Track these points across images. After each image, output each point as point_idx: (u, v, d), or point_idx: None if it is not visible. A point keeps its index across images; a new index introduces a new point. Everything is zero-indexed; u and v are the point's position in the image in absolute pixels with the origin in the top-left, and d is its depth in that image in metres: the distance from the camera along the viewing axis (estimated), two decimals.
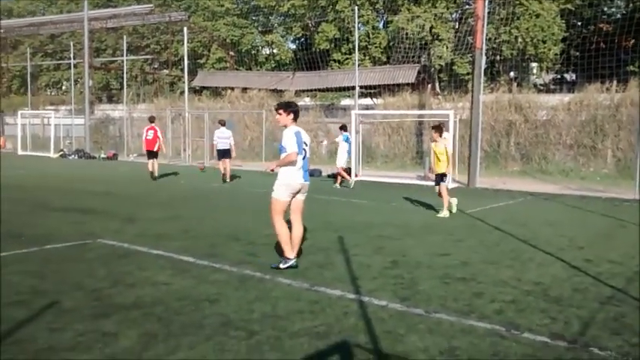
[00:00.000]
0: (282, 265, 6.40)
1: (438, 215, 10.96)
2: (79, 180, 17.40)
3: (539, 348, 4.26)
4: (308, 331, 4.51)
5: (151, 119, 18.56)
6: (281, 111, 6.61)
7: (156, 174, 17.64)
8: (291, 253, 6.46)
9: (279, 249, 6.73)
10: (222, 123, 18.15)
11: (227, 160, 17.62)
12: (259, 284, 5.84)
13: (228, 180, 17.32)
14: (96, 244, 7.73)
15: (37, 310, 4.91)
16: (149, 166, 17.76)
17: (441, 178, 11.26)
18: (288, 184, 6.43)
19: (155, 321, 4.70)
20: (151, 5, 41.46)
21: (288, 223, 6.58)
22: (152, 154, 17.77)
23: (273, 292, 5.55)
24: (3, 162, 22.56)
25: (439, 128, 11.27)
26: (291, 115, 6.58)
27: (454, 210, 11.28)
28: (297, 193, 6.53)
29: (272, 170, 6.61)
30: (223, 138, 17.70)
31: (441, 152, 11.23)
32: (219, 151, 17.72)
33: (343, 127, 17.07)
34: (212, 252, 7.28)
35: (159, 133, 18.06)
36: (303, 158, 6.53)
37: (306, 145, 6.64)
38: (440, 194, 11.23)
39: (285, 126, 6.61)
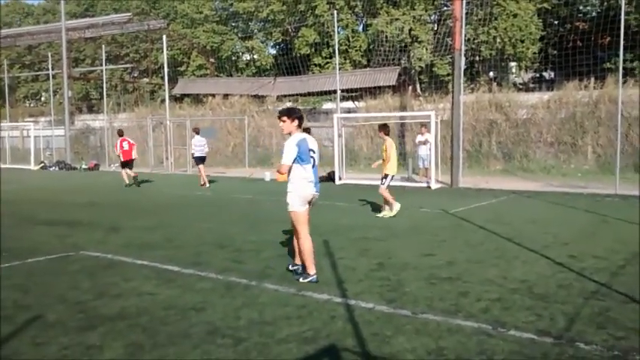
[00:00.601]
0: (302, 279, 6.07)
1: (378, 215, 11.10)
2: (61, 192, 17.22)
3: (525, 345, 4.29)
4: (296, 336, 4.49)
5: (120, 133, 19.61)
6: (284, 118, 6.16)
7: (131, 181, 18.56)
8: (313, 268, 6.09)
9: (298, 259, 6.40)
10: (197, 131, 18.92)
11: (201, 166, 18.49)
12: (246, 291, 5.81)
13: (206, 184, 18.18)
14: (79, 256, 7.64)
15: (21, 324, 4.84)
16: (125, 175, 18.61)
17: (383, 178, 11.14)
18: (300, 195, 6.07)
19: (141, 332, 4.65)
20: (130, 14, 41.23)
21: (289, 233, 6.51)
22: (129, 164, 18.79)
23: (260, 298, 5.52)
24: None
25: (384, 127, 11.10)
26: (296, 122, 6.15)
27: (392, 214, 10.97)
28: (309, 202, 6.23)
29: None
30: (200, 145, 18.51)
31: (383, 151, 11.15)
32: (196, 158, 18.60)
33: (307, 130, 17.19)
34: (197, 260, 7.23)
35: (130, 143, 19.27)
36: (313, 167, 6.18)
37: (314, 152, 6.21)
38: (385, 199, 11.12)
39: (290, 134, 6.16)
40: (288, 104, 31.43)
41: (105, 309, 5.27)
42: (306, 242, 6.10)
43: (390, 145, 10.99)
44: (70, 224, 10.48)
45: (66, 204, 13.88)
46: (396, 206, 10.94)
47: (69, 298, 5.65)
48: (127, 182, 18.40)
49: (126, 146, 18.75)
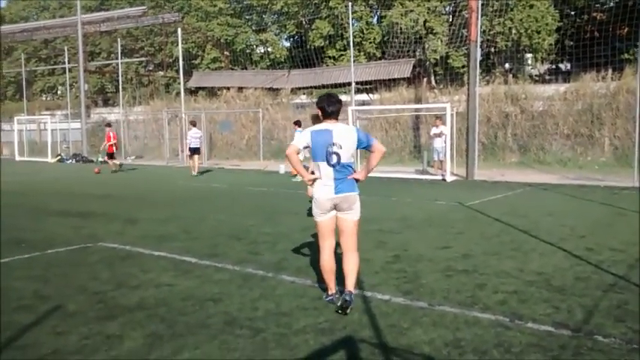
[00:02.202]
0: (323, 297, 5.23)
1: None
2: (77, 183, 17.39)
3: (543, 337, 4.27)
4: (313, 327, 4.52)
5: (109, 124, 22.33)
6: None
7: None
8: (331, 288, 5.11)
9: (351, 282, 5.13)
10: (194, 124, 20.60)
11: (196, 157, 19.96)
12: (262, 282, 5.85)
13: (196, 174, 19.55)
14: (98, 247, 7.73)
15: (42, 314, 4.91)
16: (113, 165, 21.28)
17: None
18: (315, 199, 5.06)
19: (159, 322, 4.70)
20: (144, 7, 41.40)
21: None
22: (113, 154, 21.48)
23: (277, 290, 5.56)
24: (1, 168, 22.54)
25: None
26: (318, 112, 5.17)
27: None
28: (333, 209, 5.05)
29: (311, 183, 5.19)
30: (195, 137, 19.93)
31: None
32: (191, 148, 20.00)
33: (297, 123, 17.66)
34: (214, 252, 7.29)
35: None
36: (335, 165, 4.93)
37: (340, 147, 4.91)
38: None
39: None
40: (303, 97, 31.46)
41: (124, 299, 5.33)
42: (321, 256, 5.12)
43: None
44: (87, 216, 10.59)
45: (83, 196, 14.02)
46: None
47: (88, 288, 5.72)
48: (114, 169, 20.82)
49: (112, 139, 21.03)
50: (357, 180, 5.07)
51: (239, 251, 7.34)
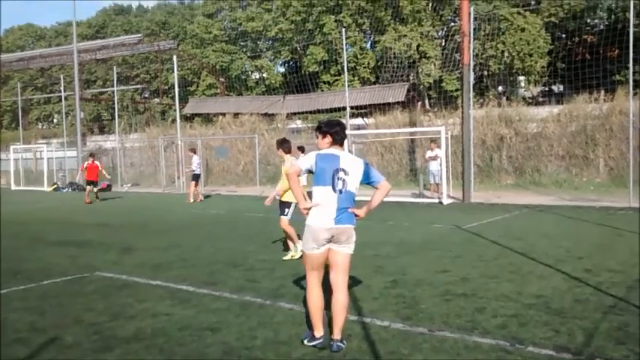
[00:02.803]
0: (305, 341, 4.70)
1: (285, 258, 8.58)
2: (74, 212, 17.33)
3: None
4: (312, 355, 4.48)
5: (93, 154, 22.20)
6: (317, 133, 4.89)
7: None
8: (318, 329, 4.61)
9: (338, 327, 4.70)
10: (194, 151, 21.22)
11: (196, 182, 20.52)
12: (260, 310, 5.81)
13: (201, 200, 20.19)
14: (94, 277, 7.67)
15: (37, 347, 4.86)
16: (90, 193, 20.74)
17: (283, 208, 8.73)
18: (310, 227, 4.62)
19: (157, 353, 4.65)
20: (140, 35, 41.82)
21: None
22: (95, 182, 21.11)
23: (275, 318, 5.52)
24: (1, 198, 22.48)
25: (282, 143, 8.69)
26: (327, 138, 4.76)
27: (297, 254, 8.32)
28: (330, 241, 4.62)
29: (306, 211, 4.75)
30: (198, 163, 20.50)
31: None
32: (196, 175, 20.35)
33: (301, 149, 17.22)
34: (211, 280, 7.24)
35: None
36: (340, 191, 4.60)
37: (346, 173, 4.61)
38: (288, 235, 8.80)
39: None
40: (298, 122, 31.59)
41: (120, 330, 5.28)
42: (309, 293, 4.69)
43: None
44: (83, 245, 10.54)
45: (79, 225, 13.96)
46: (300, 245, 7.92)
47: (85, 319, 5.67)
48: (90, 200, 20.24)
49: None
50: (356, 216, 4.72)
51: (237, 279, 7.29)
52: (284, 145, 8.64)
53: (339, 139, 4.77)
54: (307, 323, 4.94)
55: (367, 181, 4.75)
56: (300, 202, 4.82)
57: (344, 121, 23.10)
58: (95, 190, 20.98)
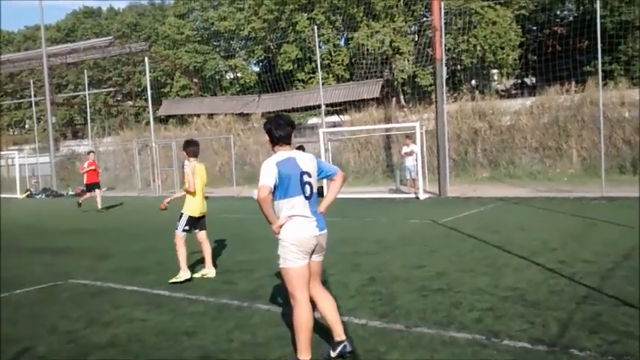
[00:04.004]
0: None
1: (172, 281, 7.22)
2: (48, 219, 17.06)
3: (520, 354, 4.29)
4: (289, 356, 4.45)
5: (92, 151, 20.42)
6: (268, 134, 4.42)
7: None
8: (308, 352, 4.19)
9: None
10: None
11: None
12: (237, 312, 5.77)
13: None
14: (68, 285, 7.56)
15: (10, 358, 4.76)
16: (99, 198, 18.47)
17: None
18: (296, 239, 4.19)
19: (133, 359, 4.60)
20: (111, 38, 41.28)
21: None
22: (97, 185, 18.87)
23: (252, 320, 5.49)
24: None
25: (188, 145, 7.68)
26: (269, 137, 4.40)
27: (179, 279, 7.26)
28: (313, 251, 4.33)
29: (277, 231, 4.29)
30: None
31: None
32: None
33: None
34: (188, 283, 7.18)
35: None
36: (308, 198, 4.26)
37: (309, 175, 4.30)
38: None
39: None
40: None
41: (95, 337, 5.21)
42: (301, 313, 4.19)
43: (194, 171, 7.52)
44: (58, 252, 10.38)
45: (53, 231, 13.75)
46: (183, 273, 7.29)
47: (59, 328, 5.58)
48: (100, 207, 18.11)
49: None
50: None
51: (213, 281, 7.25)
52: (189, 147, 7.61)
53: (277, 137, 4.33)
54: (293, 345, 4.42)
55: (323, 175, 4.49)
56: (273, 223, 4.25)
57: (319, 119, 23.15)
58: (80, 200, 18.94)
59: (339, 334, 4.37)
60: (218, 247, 9.93)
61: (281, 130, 4.32)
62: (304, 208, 4.23)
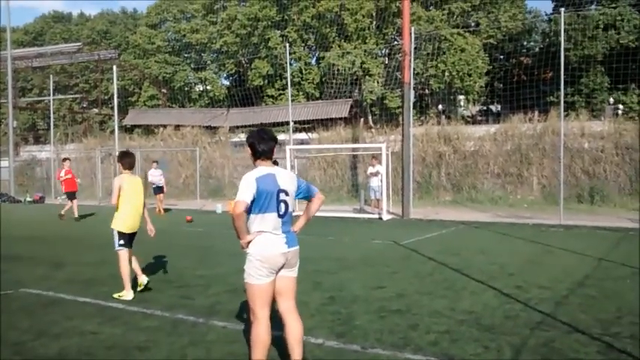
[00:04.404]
0: None
1: (115, 296, 7.03)
2: (3, 225, 16.57)
3: None
4: None
5: (68, 158, 19.88)
6: (249, 148, 4.39)
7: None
8: None
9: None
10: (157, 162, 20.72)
11: (161, 195, 20.13)
12: (193, 328, 5.68)
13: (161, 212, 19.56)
14: (19, 294, 7.34)
15: None
16: (76, 207, 17.93)
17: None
18: (262, 255, 4.15)
19: None
20: (79, 44, 40.74)
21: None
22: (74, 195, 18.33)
23: (208, 336, 5.40)
24: None
25: (123, 156, 7.42)
26: (252, 151, 4.36)
27: (123, 295, 7.02)
28: (282, 268, 4.27)
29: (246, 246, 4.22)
30: (157, 175, 19.97)
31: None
32: (158, 187, 20.04)
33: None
34: (143, 297, 7.03)
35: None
36: (282, 216, 4.22)
37: (287, 194, 4.25)
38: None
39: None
40: (242, 135, 31.37)
41: (43, 349, 5.06)
42: (259, 330, 4.18)
43: (120, 184, 7.16)
44: (11, 259, 10.07)
45: (7, 238, 13.36)
46: (126, 293, 7.00)
47: (6, 339, 5.39)
48: (77, 215, 17.62)
49: (69, 175, 18.16)
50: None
51: (170, 296, 7.12)
52: (124, 159, 7.33)
53: (260, 152, 4.29)
54: None
55: (303, 195, 4.45)
56: (243, 238, 4.15)
57: (287, 135, 23.15)
58: (63, 211, 17.90)
59: (297, 354, 4.28)
60: (177, 261, 9.79)
61: (264, 144, 4.28)
62: (276, 226, 4.18)
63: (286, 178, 4.28)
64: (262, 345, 4.14)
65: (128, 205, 7.20)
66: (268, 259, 4.12)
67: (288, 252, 4.22)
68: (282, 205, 4.19)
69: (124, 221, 7.19)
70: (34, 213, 20.44)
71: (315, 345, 5.10)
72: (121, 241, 7.18)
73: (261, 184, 4.11)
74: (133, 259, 7.38)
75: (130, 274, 7.14)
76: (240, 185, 4.14)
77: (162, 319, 6.04)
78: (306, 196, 4.47)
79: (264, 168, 4.24)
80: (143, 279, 7.31)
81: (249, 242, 4.15)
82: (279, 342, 4.55)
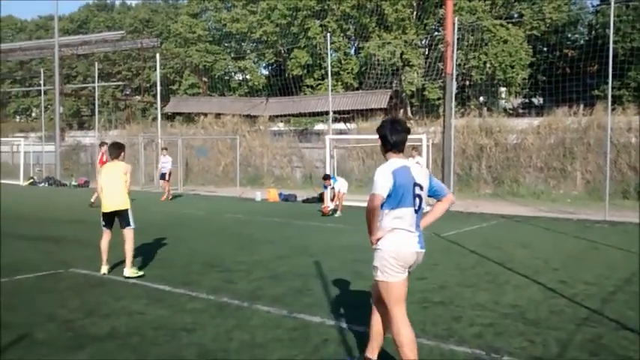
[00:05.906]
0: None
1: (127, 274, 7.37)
2: (49, 208, 17.07)
3: None
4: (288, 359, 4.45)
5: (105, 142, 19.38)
6: (381, 139, 4.17)
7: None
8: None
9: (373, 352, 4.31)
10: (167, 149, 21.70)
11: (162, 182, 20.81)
12: (237, 312, 5.76)
13: (169, 198, 20.16)
14: (68, 274, 7.56)
15: (7, 343, 4.75)
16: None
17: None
18: (397, 253, 3.93)
19: (130, 352, 4.59)
20: (123, 32, 41.41)
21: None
22: None
23: (252, 320, 5.48)
24: None
25: (118, 148, 7.94)
26: (382, 142, 4.15)
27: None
28: (410, 267, 4.05)
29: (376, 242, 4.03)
30: (166, 162, 20.65)
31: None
32: (165, 174, 20.60)
33: (326, 178, 16.12)
34: (188, 280, 7.17)
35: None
36: (417, 211, 4.01)
37: (421, 188, 4.03)
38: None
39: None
40: (280, 125, 31.53)
41: (94, 328, 5.20)
42: (402, 329, 3.98)
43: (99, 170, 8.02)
44: (58, 241, 10.38)
45: (55, 220, 13.75)
46: (105, 265, 7.61)
47: (57, 316, 5.58)
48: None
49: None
50: None
51: (213, 280, 7.24)
52: (118, 149, 7.84)
53: (391, 144, 4.06)
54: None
55: (433, 193, 4.16)
56: (374, 234, 3.98)
57: (327, 125, 23.17)
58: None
59: (374, 351, 4.22)
60: (218, 247, 9.93)
61: (397, 135, 4.05)
62: (411, 221, 3.96)
63: (420, 172, 4.08)
64: (412, 344, 4.00)
65: (104, 188, 7.69)
66: (403, 257, 3.93)
67: (420, 252, 4.02)
68: (418, 200, 3.97)
69: (103, 202, 7.72)
70: (79, 197, 20.94)
71: (358, 332, 5.12)
72: (103, 222, 7.79)
73: (399, 178, 3.90)
74: (128, 247, 7.57)
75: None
76: (376, 178, 3.94)
77: (207, 301, 6.15)
78: (437, 195, 4.19)
79: (397, 160, 4.01)
80: (126, 272, 7.34)
81: (379, 239, 3.97)
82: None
